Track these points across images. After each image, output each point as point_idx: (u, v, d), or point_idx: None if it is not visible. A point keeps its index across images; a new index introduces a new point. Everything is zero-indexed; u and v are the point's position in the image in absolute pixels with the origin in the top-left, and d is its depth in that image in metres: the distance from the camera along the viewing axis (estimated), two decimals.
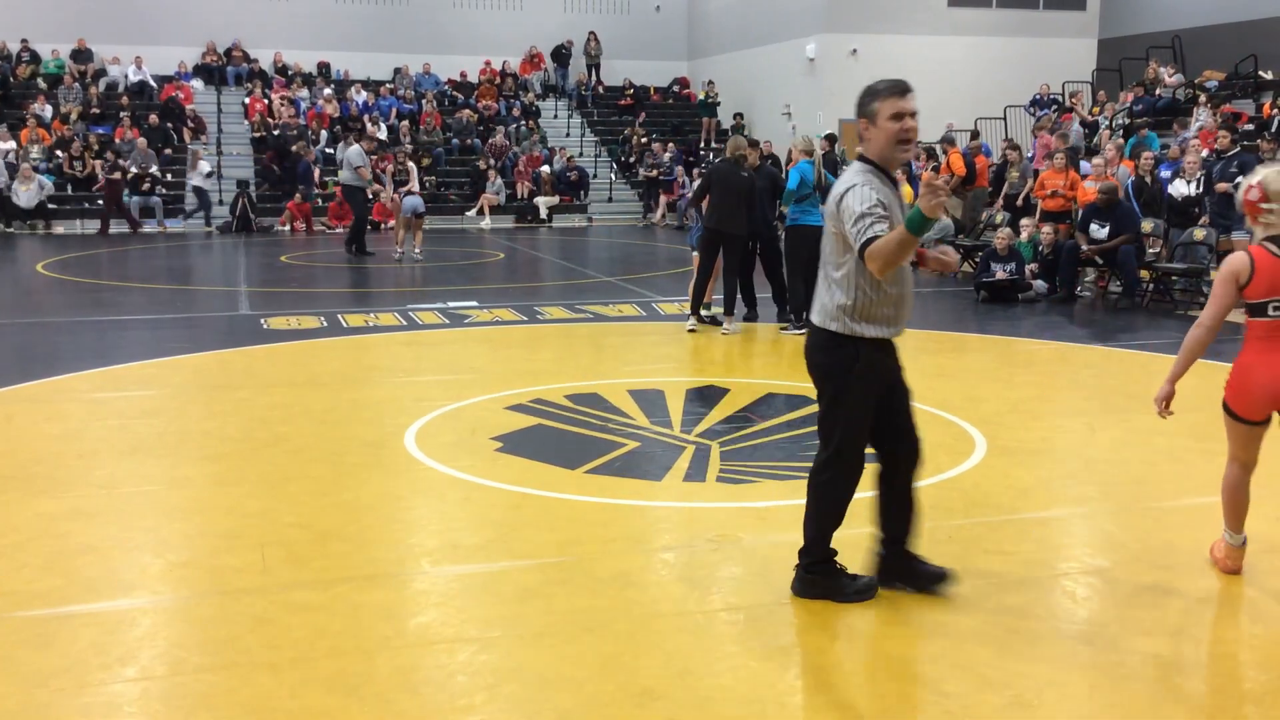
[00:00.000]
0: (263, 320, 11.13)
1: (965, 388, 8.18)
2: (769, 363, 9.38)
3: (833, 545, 4.28)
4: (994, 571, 4.59)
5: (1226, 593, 4.28)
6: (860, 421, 4.15)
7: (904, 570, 4.33)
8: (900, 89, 4.06)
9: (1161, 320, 11.46)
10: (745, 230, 10.51)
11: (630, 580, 4.53)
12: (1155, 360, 9.11)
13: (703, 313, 10.77)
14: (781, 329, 10.70)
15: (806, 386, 8.16)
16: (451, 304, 12.25)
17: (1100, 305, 12.61)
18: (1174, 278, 12.58)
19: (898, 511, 4.31)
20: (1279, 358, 4.26)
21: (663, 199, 24.69)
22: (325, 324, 10.91)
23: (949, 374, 8.91)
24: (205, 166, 23.24)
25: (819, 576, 4.27)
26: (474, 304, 12.28)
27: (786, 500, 5.54)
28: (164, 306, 12.49)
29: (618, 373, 8.71)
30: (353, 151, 17.57)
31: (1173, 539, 5.00)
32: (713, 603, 4.31)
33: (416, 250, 17.09)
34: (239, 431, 6.81)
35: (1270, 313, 4.26)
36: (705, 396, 7.82)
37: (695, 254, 10.98)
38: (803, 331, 10.44)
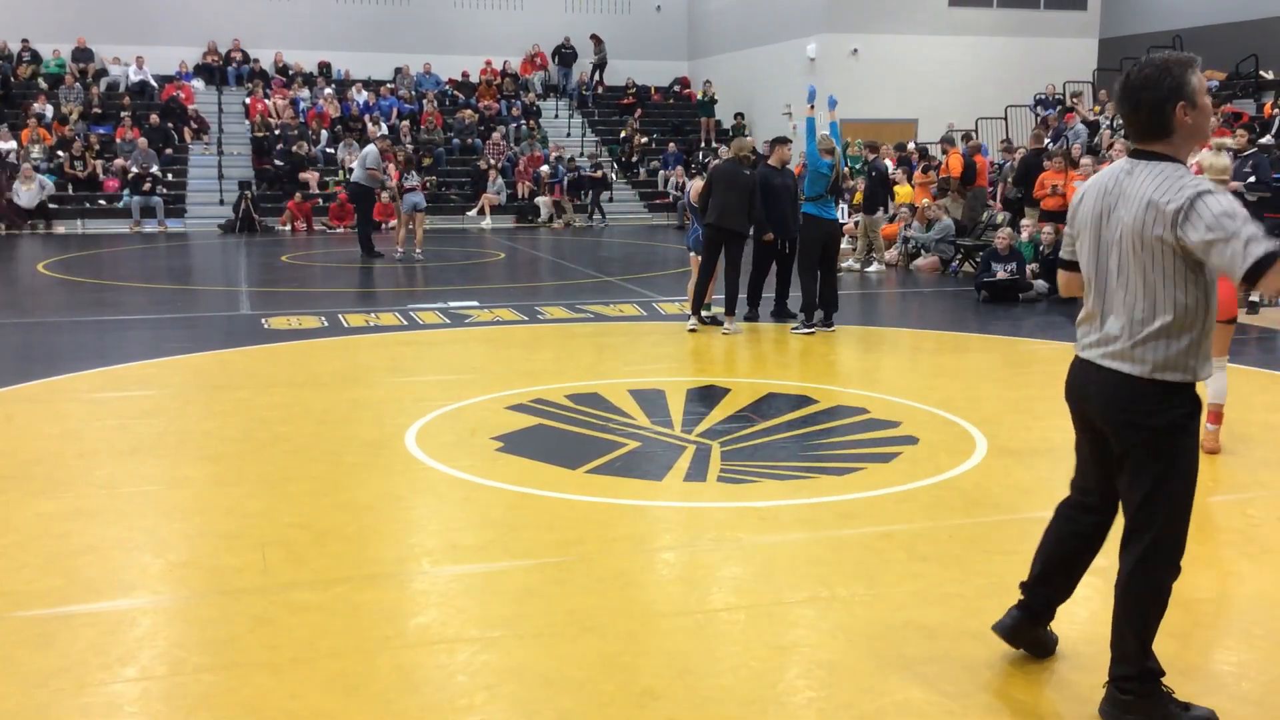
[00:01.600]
0: (263, 320, 11.13)
1: (966, 387, 8.17)
2: (770, 362, 9.38)
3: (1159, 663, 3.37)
4: (995, 571, 4.58)
5: (1228, 593, 4.28)
6: (1192, 495, 3.30)
7: (1035, 639, 3.78)
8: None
9: None
10: (747, 229, 10.53)
11: (631, 580, 4.53)
12: None
13: (703, 313, 10.76)
14: (793, 329, 10.66)
15: (807, 386, 8.21)
16: (452, 304, 12.25)
17: None
18: None
19: (1071, 579, 3.70)
20: None
21: (547, 198, 24.38)
22: (326, 324, 10.91)
23: (950, 373, 8.91)
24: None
25: (1136, 699, 3.31)
26: (475, 304, 12.28)
27: (787, 500, 5.54)
28: (164, 306, 12.49)
29: (618, 372, 8.71)
30: (371, 152, 17.77)
31: None
32: (713, 602, 4.31)
33: (417, 250, 17.13)
34: (239, 431, 6.80)
35: None
36: (706, 396, 7.82)
37: (693, 254, 10.97)
38: (812, 331, 10.43)
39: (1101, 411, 3.31)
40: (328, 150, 24.89)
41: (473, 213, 24.17)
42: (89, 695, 3.54)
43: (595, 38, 29.81)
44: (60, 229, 21.73)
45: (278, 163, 23.97)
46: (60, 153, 23.16)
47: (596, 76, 30.00)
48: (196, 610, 4.24)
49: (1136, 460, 3.24)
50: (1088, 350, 3.35)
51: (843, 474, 6.02)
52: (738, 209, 10.29)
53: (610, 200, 26.06)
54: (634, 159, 27.13)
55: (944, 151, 18.51)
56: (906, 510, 5.42)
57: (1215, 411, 6.37)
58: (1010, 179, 15.89)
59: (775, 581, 4.49)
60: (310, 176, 23.84)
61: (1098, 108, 21.12)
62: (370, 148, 17.83)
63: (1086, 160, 14.34)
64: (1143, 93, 3.18)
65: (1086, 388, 3.35)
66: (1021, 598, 3.74)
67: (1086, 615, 4.19)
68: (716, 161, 10.85)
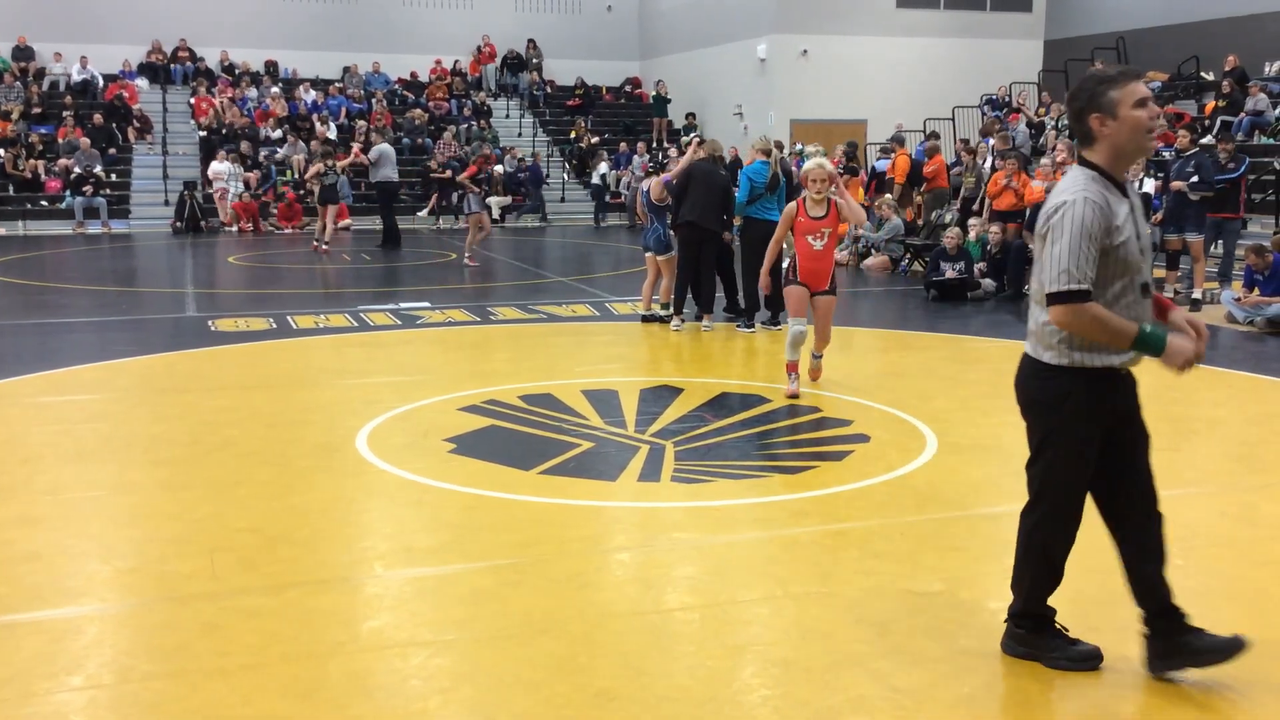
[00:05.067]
0: (210, 322, 10.99)
1: (916, 385, 8.25)
2: (723, 362, 9.41)
3: (1053, 605, 3.76)
4: (948, 567, 4.63)
5: (1177, 587, 4.35)
6: (1072, 470, 3.55)
7: (1189, 647, 3.58)
8: (1138, 73, 3.47)
9: None
10: (722, 227, 10.60)
11: (586, 581, 4.52)
12: None
13: (655, 310, 10.81)
14: (737, 327, 10.72)
15: (759, 386, 8.25)
16: (403, 305, 12.16)
17: None
18: None
19: (1152, 579, 3.63)
20: None
21: (434, 199, 24.10)
22: (274, 326, 10.79)
23: (899, 372, 8.99)
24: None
25: (1027, 634, 3.76)
26: (426, 305, 12.21)
27: (741, 499, 5.56)
28: (109, 309, 12.29)
29: (571, 373, 8.70)
30: (387, 150, 18.10)
31: None
32: (668, 602, 4.31)
33: (468, 255, 16.46)
34: (186, 435, 6.71)
35: None
36: (659, 396, 7.83)
37: (649, 254, 10.98)
38: (753, 330, 10.50)
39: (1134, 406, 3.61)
40: (277, 151, 24.60)
41: (423, 213, 24.02)
42: (35, 705, 3.48)
43: (530, 42, 29.82)
44: (1, 230, 21.30)
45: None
46: (2, 152, 22.71)
47: (535, 77, 29.89)
48: (145, 617, 4.18)
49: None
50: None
51: (796, 473, 6.06)
52: (715, 208, 10.37)
53: (562, 201, 26.03)
54: (584, 159, 27.08)
55: (892, 151, 18.67)
56: (859, 508, 5.46)
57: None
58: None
59: (730, 580, 4.50)
60: (251, 177, 23.49)
61: (1043, 109, 21.42)
62: (385, 146, 18.34)
63: (1045, 161, 14.51)
64: (1070, 102, 3.54)
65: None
66: (1144, 628, 3.65)
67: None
68: (685, 160, 10.84)
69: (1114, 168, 3.44)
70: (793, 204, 7.95)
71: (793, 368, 7.75)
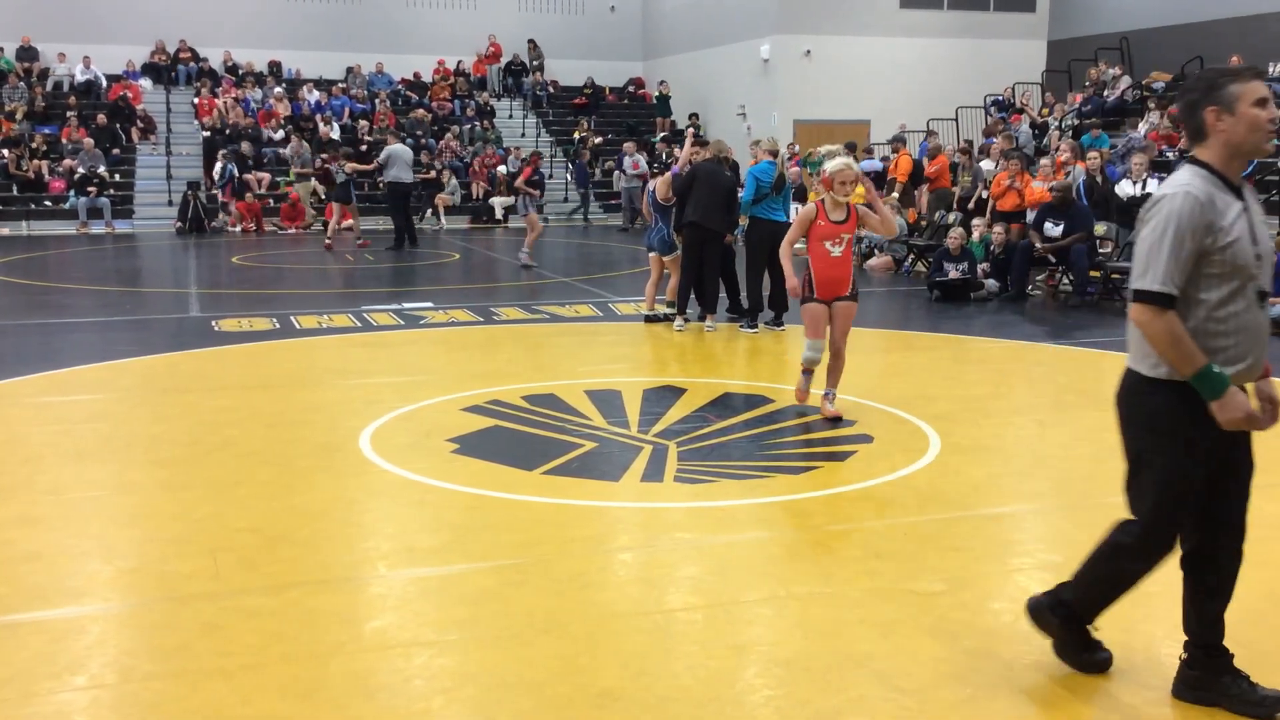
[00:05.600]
0: (213, 322, 10.99)
1: (919, 385, 8.24)
2: (726, 362, 9.40)
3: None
4: (949, 568, 4.62)
5: (1178, 588, 4.34)
6: (1170, 493, 3.31)
7: (1218, 688, 3.45)
8: (1260, 72, 3.33)
9: (1111, 319, 11.60)
10: (725, 228, 10.60)
11: (588, 581, 4.51)
12: (1105, 358, 9.23)
13: (658, 310, 10.80)
14: (740, 328, 10.71)
15: (762, 386, 8.23)
16: (406, 305, 12.16)
17: (1051, 304, 12.77)
18: (1116, 275, 12.72)
19: (1214, 617, 3.48)
20: None
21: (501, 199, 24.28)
22: (278, 326, 10.79)
23: (903, 372, 8.98)
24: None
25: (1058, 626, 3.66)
26: (429, 305, 12.20)
27: (744, 500, 5.55)
28: (112, 309, 12.30)
29: (574, 373, 8.69)
30: (397, 151, 18.41)
31: None
32: (671, 603, 4.30)
33: (524, 253, 16.52)
34: (188, 435, 6.71)
35: None
36: (662, 397, 7.82)
37: (653, 254, 10.99)
38: (756, 330, 10.48)
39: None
40: (281, 151, 24.61)
41: (427, 213, 24.00)
42: (36, 705, 3.47)
43: (531, 42, 29.82)
44: (4, 230, 21.31)
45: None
46: (5, 152, 22.73)
47: (538, 78, 29.87)
48: (146, 617, 4.17)
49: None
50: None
51: (799, 473, 6.05)
52: (719, 208, 10.36)
53: (564, 201, 26.02)
54: (589, 159, 27.06)
55: (895, 151, 18.65)
56: (862, 508, 5.45)
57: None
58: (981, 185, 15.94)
59: (732, 581, 4.49)
60: (254, 178, 23.47)
61: (1046, 109, 21.39)
62: (397, 147, 18.72)
63: (1045, 162, 14.49)
64: (1184, 94, 3.34)
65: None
66: (1184, 654, 3.53)
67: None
68: (685, 155, 10.87)
69: (1226, 167, 3.26)
70: (810, 206, 7.09)
71: (803, 387, 7.25)
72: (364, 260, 17.06)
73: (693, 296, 10.75)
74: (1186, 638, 3.50)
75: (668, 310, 10.88)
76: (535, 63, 29.97)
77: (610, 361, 9.32)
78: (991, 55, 25.32)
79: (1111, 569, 3.50)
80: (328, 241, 18.63)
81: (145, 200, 23.31)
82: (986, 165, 16.17)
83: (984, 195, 15.04)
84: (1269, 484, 5.95)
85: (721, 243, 10.63)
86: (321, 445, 6.47)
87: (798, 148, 20.53)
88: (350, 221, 21.64)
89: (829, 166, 7.00)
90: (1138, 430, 3.35)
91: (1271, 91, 3.30)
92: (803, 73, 25.03)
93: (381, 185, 20.05)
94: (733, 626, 4.07)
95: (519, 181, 17.34)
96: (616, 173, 26.21)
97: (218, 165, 22.88)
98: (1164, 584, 4.44)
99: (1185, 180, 3.22)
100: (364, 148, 23.30)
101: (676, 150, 17.73)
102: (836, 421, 6.98)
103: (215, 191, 22.70)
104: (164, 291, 14.00)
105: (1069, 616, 3.62)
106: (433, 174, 24.07)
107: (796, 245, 7.32)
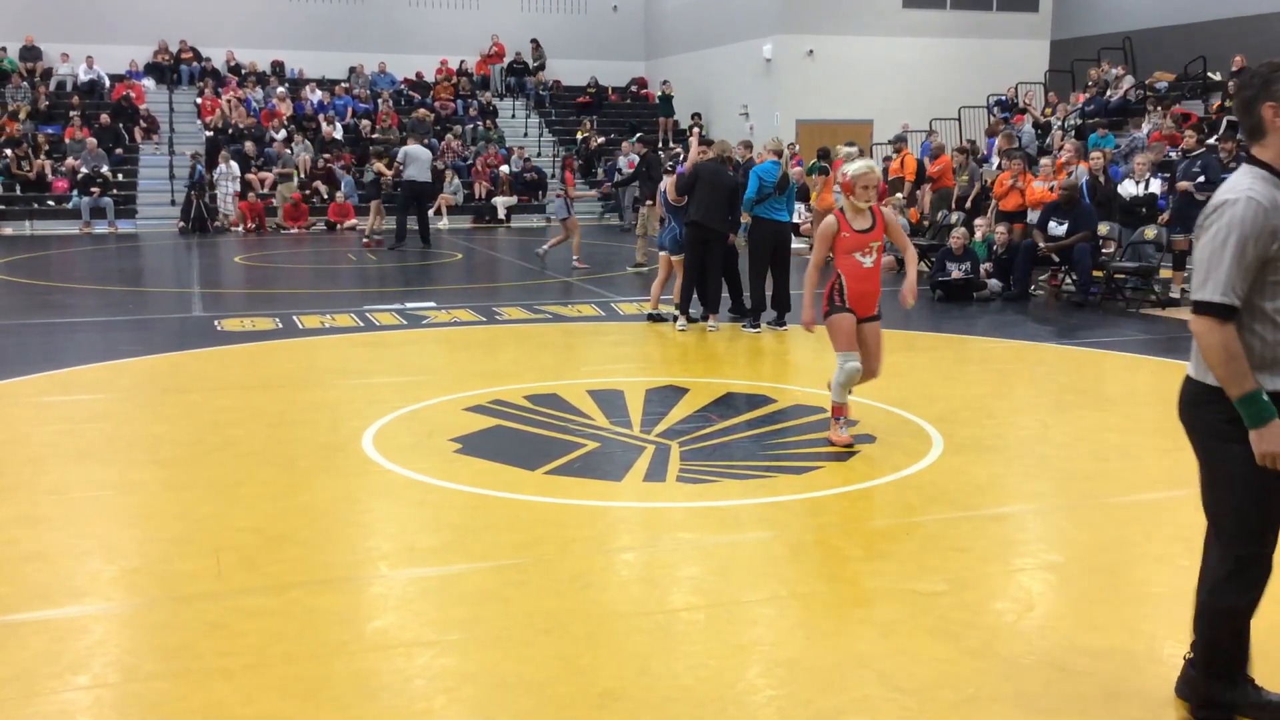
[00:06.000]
0: (216, 322, 11.00)
1: (922, 385, 8.23)
2: (728, 362, 9.39)
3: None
4: (951, 568, 4.62)
5: (1181, 588, 4.34)
6: (1254, 493, 3.15)
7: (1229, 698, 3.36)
8: None
9: (1113, 319, 11.60)
10: (728, 228, 10.60)
11: (590, 581, 4.51)
12: (1108, 358, 9.22)
13: (663, 310, 10.80)
14: (742, 328, 10.70)
15: (765, 386, 8.23)
16: (409, 305, 12.16)
17: (1053, 304, 12.76)
18: (1120, 275, 12.72)
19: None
20: None
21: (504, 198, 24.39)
22: (280, 326, 10.79)
23: (906, 372, 8.97)
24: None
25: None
26: (432, 305, 12.21)
27: (746, 499, 5.55)
28: (114, 308, 12.31)
29: (577, 373, 8.69)
30: (414, 151, 18.84)
31: (1124, 534, 5.06)
32: (673, 602, 4.30)
33: (575, 258, 16.31)
34: (190, 435, 6.71)
35: None
36: (665, 396, 7.82)
37: (662, 254, 11.01)
38: (758, 330, 10.48)
39: None
40: (285, 151, 24.61)
41: (430, 212, 23.99)
42: (39, 704, 3.48)
43: (534, 41, 29.82)
44: (8, 230, 21.33)
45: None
46: (8, 152, 22.74)
47: (541, 78, 29.87)
48: (148, 616, 4.18)
49: None
50: None
51: (801, 473, 6.04)
52: (721, 208, 10.37)
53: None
54: (591, 159, 27.06)
55: (896, 151, 18.64)
56: (864, 508, 5.45)
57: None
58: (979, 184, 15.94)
59: (734, 580, 4.49)
60: (256, 178, 23.45)
61: (1049, 109, 21.38)
62: (414, 147, 19.17)
63: (1046, 162, 14.49)
64: (1240, 90, 3.18)
65: None
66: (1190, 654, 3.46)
67: (1042, 610, 4.23)
68: (691, 155, 10.91)
69: None
70: (829, 219, 6.48)
71: (841, 411, 6.51)
72: (367, 260, 17.06)
73: (695, 296, 10.76)
74: (1194, 637, 3.45)
75: (673, 312, 10.88)
76: (538, 62, 29.99)
77: (613, 361, 9.32)
78: (994, 55, 25.29)
79: (1212, 613, 3.27)
80: (365, 240, 19.41)
81: (148, 200, 23.31)
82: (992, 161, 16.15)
83: (984, 188, 15.02)
84: None
85: (724, 242, 10.64)
86: (324, 445, 6.48)
87: (798, 148, 20.50)
88: (352, 221, 21.68)
89: (850, 170, 6.44)
90: (1204, 439, 3.25)
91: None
92: (805, 72, 25.01)
93: (397, 186, 20.07)
94: (734, 626, 4.07)
95: (570, 188, 17.33)
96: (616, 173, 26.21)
97: (190, 165, 22.87)
98: (1165, 584, 4.44)
99: (1246, 185, 3.05)
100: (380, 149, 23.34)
101: (679, 150, 17.74)
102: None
103: (209, 181, 22.62)
104: (166, 291, 14.01)
105: (1229, 705, 3.35)
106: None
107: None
